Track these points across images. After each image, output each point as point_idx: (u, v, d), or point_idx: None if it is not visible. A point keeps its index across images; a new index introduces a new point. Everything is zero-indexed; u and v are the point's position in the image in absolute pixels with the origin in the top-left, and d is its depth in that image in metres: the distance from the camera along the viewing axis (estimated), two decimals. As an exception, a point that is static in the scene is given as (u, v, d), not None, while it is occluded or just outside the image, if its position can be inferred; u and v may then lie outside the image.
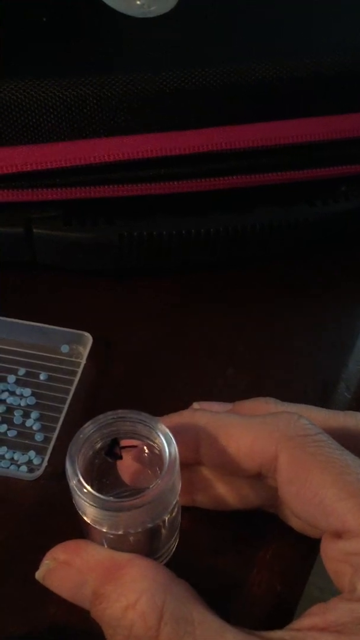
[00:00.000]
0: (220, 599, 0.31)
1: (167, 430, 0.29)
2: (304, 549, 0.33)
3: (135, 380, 0.41)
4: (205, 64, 0.41)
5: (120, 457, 0.30)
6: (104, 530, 0.28)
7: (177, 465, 0.28)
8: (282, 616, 0.31)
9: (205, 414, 0.31)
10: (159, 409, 0.33)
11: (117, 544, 0.30)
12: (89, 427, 0.29)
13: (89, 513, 0.28)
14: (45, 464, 0.36)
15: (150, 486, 0.28)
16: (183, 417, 0.32)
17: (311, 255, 0.46)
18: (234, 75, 0.41)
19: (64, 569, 0.30)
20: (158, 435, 0.29)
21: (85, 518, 0.28)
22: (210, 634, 0.27)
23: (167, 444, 0.28)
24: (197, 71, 0.40)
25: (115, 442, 0.29)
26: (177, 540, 0.33)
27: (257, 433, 0.30)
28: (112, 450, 0.29)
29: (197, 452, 0.31)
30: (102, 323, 0.43)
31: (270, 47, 0.42)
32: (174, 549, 0.33)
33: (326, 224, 0.45)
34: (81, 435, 0.28)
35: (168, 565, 0.32)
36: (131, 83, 0.40)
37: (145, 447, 0.30)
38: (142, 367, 0.41)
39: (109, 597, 0.28)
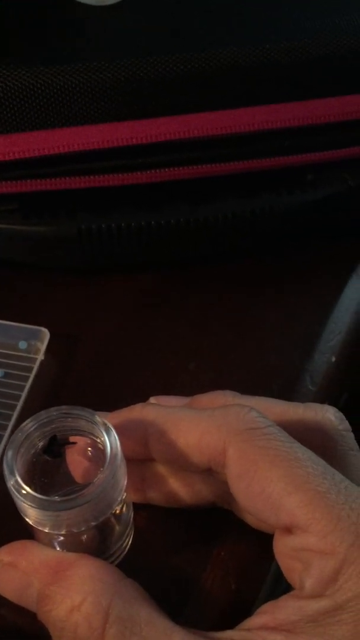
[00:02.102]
0: (174, 598, 0.31)
1: (107, 422, 0.28)
2: (261, 546, 0.31)
3: (96, 376, 0.40)
4: (161, 52, 0.40)
5: (60, 455, 0.29)
6: (47, 530, 0.27)
7: (119, 459, 0.27)
8: (238, 615, 0.30)
9: (154, 408, 0.31)
10: (121, 405, 0.32)
11: (68, 543, 0.29)
12: (28, 425, 0.28)
13: (30, 514, 0.27)
14: (-3, 462, 0.35)
15: (92, 482, 0.27)
16: (132, 412, 0.31)
17: (279, 249, 0.45)
18: (190, 63, 0.40)
19: (9, 571, 0.29)
20: (99, 428, 0.28)
21: (27, 519, 0.28)
22: (157, 635, 0.27)
23: (106, 435, 0.27)
24: (153, 59, 0.39)
25: (54, 440, 0.28)
26: (131, 538, 0.32)
27: (206, 427, 0.29)
28: (51, 447, 0.28)
29: (146, 447, 0.30)
30: (64, 319, 0.42)
31: (228, 33, 0.41)
32: (127, 547, 0.32)
33: (293, 214, 0.43)
34: (20, 434, 0.27)
35: (121, 563, 0.31)
36: (86, 72, 0.39)
37: (90, 444, 0.29)
38: (104, 363, 0.40)
39: (54, 599, 0.27)
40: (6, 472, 0.27)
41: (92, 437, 0.29)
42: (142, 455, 0.31)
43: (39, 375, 0.38)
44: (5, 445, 0.35)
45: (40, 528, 0.27)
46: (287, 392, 0.39)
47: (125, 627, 0.26)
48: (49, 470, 0.30)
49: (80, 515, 0.27)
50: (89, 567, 0.28)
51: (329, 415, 0.32)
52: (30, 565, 0.28)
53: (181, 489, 0.32)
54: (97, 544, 0.30)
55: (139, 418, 0.30)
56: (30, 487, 0.27)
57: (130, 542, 0.32)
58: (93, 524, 0.27)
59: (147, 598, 0.28)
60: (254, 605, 0.31)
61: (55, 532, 0.27)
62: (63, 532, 0.27)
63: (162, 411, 0.30)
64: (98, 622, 0.26)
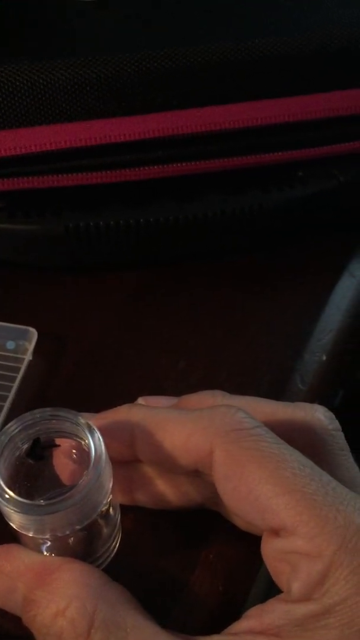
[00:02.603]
0: (161, 601, 0.31)
1: (91, 423, 0.27)
2: (249, 548, 0.31)
3: (85, 376, 0.39)
4: (148, 47, 0.39)
5: (42, 458, 0.29)
6: (31, 535, 0.27)
7: (103, 461, 0.27)
8: (226, 618, 0.29)
9: (141, 409, 0.30)
10: (109, 406, 0.31)
11: (54, 547, 0.29)
12: (12, 427, 0.27)
13: (14, 519, 0.27)
14: (-17, 465, 0.34)
15: (76, 485, 0.26)
16: (119, 413, 0.30)
17: (269, 246, 0.45)
18: (178, 58, 0.39)
19: (-6, 575, 0.29)
20: (83, 430, 0.27)
21: (11, 524, 0.27)
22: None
23: (90, 437, 0.27)
24: (139, 55, 0.39)
25: (37, 442, 0.28)
26: (118, 541, 0.32)
27: (192, 428, 0.29)
28: (34, 450, 0.28)
29: (133, 448, 0.30)
30: (52, 318, 0.41)
31: (217, 28, 0.41)
32: (115, 550, 0.31)
33: (283, 211, 0.43)
34: (3, 437, 0.27)
35: (109, 566, 0.31)
36: (72, 68, 0.38)
37: (75, 446, 0.29)
38: (93, 363, 0.40)
39: (39, 604, 0.27)
40: (-12, 475, 0.26)
41: (77, 439, 0.28)
42: (128, 456, 0.30)
43: (26, 375, 0.38)
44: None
45: (24, 532, 0.27)
46: (278, 391, 0.38)
47: (110, 631, 0.26)
48: (33, 473, 0.29)
49: (64, 519, 0.26)
50: (73, 571, 0.28)
51: (318, 415, 0.31)
52: (15, 569, 0.28)
53: (168, 490, 0.31)
54: (84, 547, 0.30)
55: (125, 419, 0.30)
56: (13, 491, 0.26)
57: (117, 544, 0.31)
58: (78, 527, 0.27)
59: (133, 602, 0.28)
60: (242, 608, 0.31)
61: (40, 536, 0.27)
62: (47, 536, 0.27)
63: (148, 412, 0.30)
64: (83, 627, 0.26)
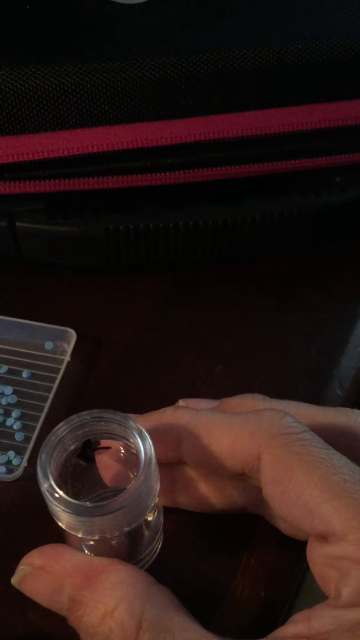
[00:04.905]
0: (203, 605, 0.31)
1: (141, 428, 0.27)
2: (291, 553, 0.31)
3: (121, 377, 0.40)
4: (192, 51, 0.39)
5: (93, 460, 0.29)
6: (79, 535, 0.27)
7: (153, 465, 0.27)
8: (268, 624, 0.29)
9: (186, 412, 0.30)
10: (145, 408, 0.32)
11: (98, 547, 0.29)
12: (61, 428, 0.27)
13: (63, 519, 0.27)
14: (24, 464, 0.34)
15: (126, 488, 0.26)
16: (164, 415, 0.30)
17: (306, 251, 0.45)
18: (221, 63, 0.39)
19: (40, 575, 0.29)
20: (132, 433, 0.27)
21: (59, 524, 0.27)
22: (190, 643, 0.26)
23: (141, 442, 0.27)
24: (184, 58, 0.39)
25: (88, 444, 0.28)
26: (161, 542, 0.32)
27: (239, 432, 0.29)
28: (85, 452, 0.28)
29: (178, 451, 0.30)
30: (89, 320, 0.42)
31: (259, 33, 0.41)
32: (157, 551, 0.31)
33: (320, 216, 0.43)
34: (53, 437, 0.27)
35: (151, 568, 0.31)
36: (115, 71, 0.38)
37: (121, 448, 0.29)
38: (129, 365, 0.40)
39: (86, 604, 0.27)
40: (40, 475, 0.26)
41: (125, 441, 0.28)
42: (173, 459, 0.30)
43: (65, 376, 0.38)
44: (33, 447, 0.35)
45: (73, 533, 0.27)
46: (315, 397, 0.38)
47: (159, 634, 0.26)
48: (79, 473, 0.29)
49: (113, 521, 0.26)
50: (121, 573, 0.28)
51: (360, 420, 0.31)
52: (62, 569, 0.28)
53: (211, 493, 0.31)
54: (126, 548, 0.30)
55: (171, 422, 0.30)
56: (63, 491, 0.26)
57: (159, 547, 0.32)
58: (126, 529, 0.27)
59: (179, 605, 0.28)
60: (284, 613, 0.31)
61: (88, 537, 0.27)
62: (96, 537, 0.27)
63: (194, 415, 0.30)
64: (131, 628, 0.26)
